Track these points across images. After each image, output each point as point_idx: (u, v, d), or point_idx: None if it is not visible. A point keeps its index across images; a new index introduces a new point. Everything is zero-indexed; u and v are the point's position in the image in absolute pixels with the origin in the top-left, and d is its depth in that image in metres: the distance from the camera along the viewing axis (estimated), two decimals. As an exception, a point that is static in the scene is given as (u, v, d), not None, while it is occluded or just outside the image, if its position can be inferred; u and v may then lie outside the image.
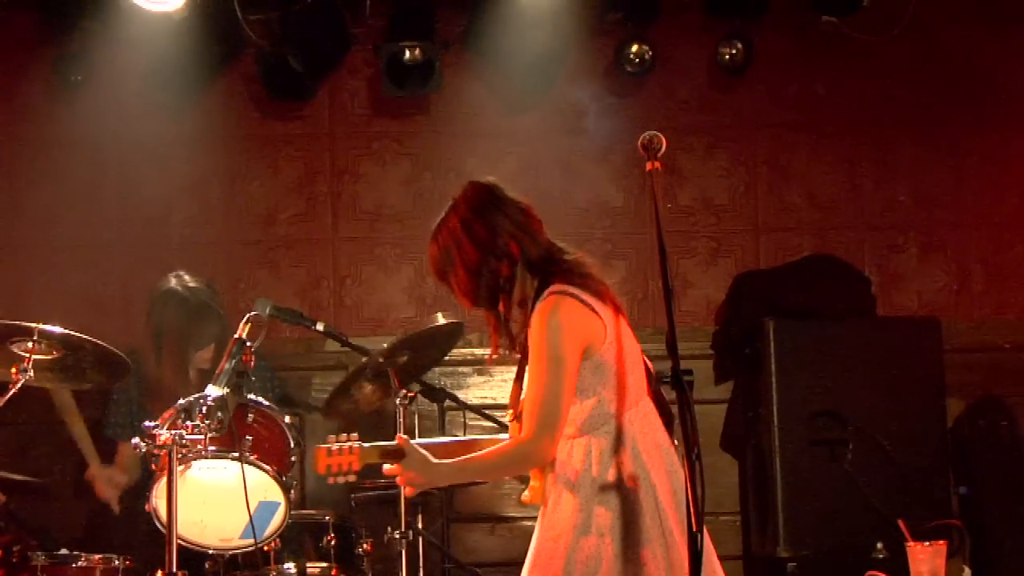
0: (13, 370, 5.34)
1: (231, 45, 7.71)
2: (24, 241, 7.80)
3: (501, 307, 4.63)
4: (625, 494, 4.41)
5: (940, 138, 8.14)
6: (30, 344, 5.33)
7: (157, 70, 7.55)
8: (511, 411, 4.70)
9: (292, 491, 5.61)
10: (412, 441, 4.52)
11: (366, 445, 4.59)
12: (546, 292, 4.51)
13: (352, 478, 4.61)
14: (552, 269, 4.58)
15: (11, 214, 7.81)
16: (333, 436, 4.61)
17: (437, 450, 4.53)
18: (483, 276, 4.57)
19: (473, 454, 4.57)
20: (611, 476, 4.43)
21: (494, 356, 4.77)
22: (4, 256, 7.80)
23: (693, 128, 8.05)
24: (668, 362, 4.00)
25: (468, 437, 4.88)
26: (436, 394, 7.13)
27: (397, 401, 5.78)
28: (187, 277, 6.60)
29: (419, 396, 6.43)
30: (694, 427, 3.88)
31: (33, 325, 5.30)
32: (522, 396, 4.59)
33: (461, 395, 7.45)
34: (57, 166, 7.77)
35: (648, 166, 4.25)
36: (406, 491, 4.50)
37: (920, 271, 8.09)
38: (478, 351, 7.74)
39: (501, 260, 4.57)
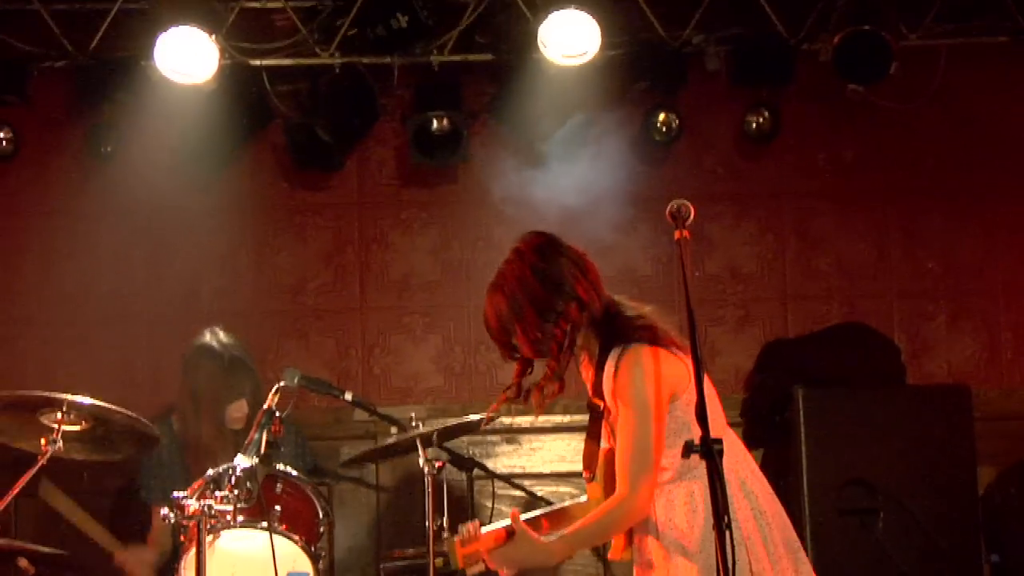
0: (43, 441, 5.34)
1: (259, 116, 7.75)
2: (55, 314, 7.82)
3: (562, 356, 4.56)
4: (738, 526, 4.36)
5: (969, 206, 8.12)
6: (59, 415, 5.34)
7: (186, 141, 7.59)
8: (586, 471, 4.65)
9: (320, 561, 5.61)
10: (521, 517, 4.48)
11: (484, 529, 4.55)
12: (623, 347, 4.49)
13: (482, 567, 4.58)
14: (615, 324, 4.57)
15: (42, 286, 7.84)
16: (463, 527, 4.55)
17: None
18: (551, 321, 4.53)
19: (574, 525, 4.49)
20: None
21: (541, 404, 4.63)
22: (35, 329, 7.83)
23: (721, 196, 8.06)
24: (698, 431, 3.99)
25: (556, 506, 4.79)
26: (464, 463, 7.11)
27: (425, 470, 5.76)
28: (221, 333, 6.69)
29: (447, 465, 6.42)
30: (724, 496, 3.87)
31: (62, 396, 5.31)
32: (598, 453, 4.56)
33: (490, 464, 7.42)
34: (87, 238, 7.80)
35: (676, 235, 4.24)
36: (503, 572, 4.46)
37: (950, 339, 8.05)
38: (507, 419, 7.73)
39: (570, 303, 4.54)
